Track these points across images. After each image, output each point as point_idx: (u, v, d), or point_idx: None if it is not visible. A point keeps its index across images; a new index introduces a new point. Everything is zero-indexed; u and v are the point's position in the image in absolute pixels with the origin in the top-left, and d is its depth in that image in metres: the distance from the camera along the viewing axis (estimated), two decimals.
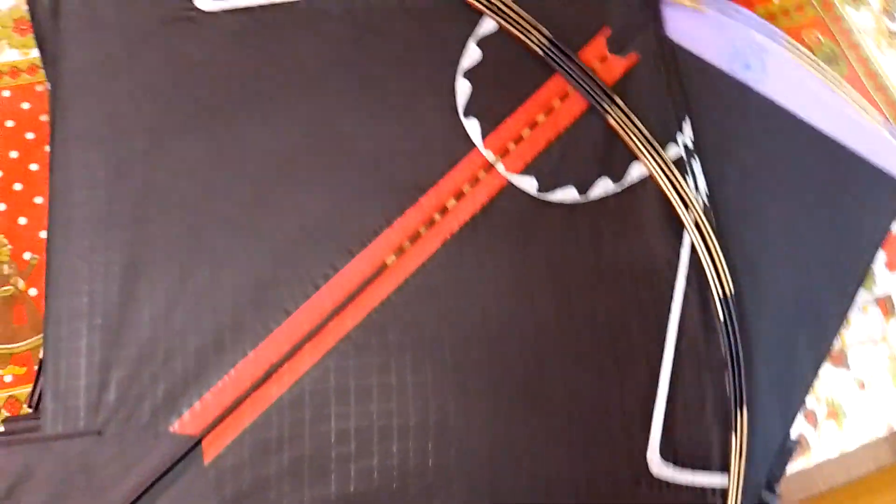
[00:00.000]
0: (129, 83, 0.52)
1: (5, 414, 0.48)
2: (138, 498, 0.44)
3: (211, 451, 0.45)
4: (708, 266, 0.52)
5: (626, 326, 0.51)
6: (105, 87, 0.51)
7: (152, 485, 0.44)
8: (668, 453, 0.49)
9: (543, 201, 0.53)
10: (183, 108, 0.51)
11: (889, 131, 0.59)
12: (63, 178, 0.49)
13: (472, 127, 0.54)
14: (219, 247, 0.49)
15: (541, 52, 0.55)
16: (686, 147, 0.55)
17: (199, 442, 0.45)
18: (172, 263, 0.48)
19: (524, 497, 0.47)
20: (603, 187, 0.54)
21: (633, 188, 0.54)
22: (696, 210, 0.53)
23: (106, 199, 0.49)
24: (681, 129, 0.55)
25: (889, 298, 0.58)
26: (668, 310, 0.51)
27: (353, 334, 0.48)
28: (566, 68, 0.55)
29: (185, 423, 0.45)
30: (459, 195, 0.52)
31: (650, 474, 0.48)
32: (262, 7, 0.55)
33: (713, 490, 0.49)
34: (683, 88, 0.57)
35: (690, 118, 0.56)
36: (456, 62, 0.55)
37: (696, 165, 0.55)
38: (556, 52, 0.55)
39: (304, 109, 0.53)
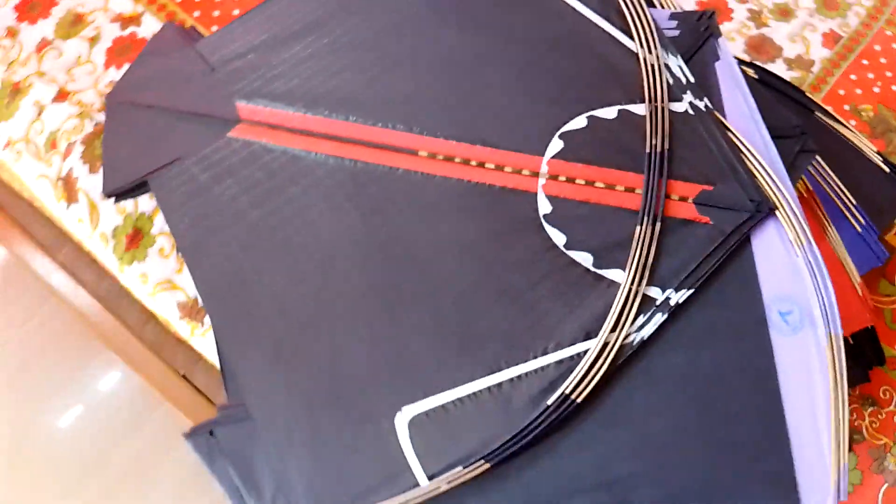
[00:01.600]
0: None
1: None
2: None
3: None
4: None
5: None
6: None
7: None
8: None
9: None
10: None
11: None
12: None
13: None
14: None
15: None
16: (667, 301, 0.59)
17: None
18: None
19: None
20: (583, 259, 0.60)
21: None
22: (619, 334, 0.57)
23: None
24: (678, 289, 0.59)
25: None
26: None
27: None
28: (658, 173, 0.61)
29: None
30: None
31: None
32: None
33: None
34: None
35: (702, 297, 0.59)
36: None
37: (659, 317, 0.58)
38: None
39: None
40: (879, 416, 0.70)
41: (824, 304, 0.59)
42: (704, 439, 0.56)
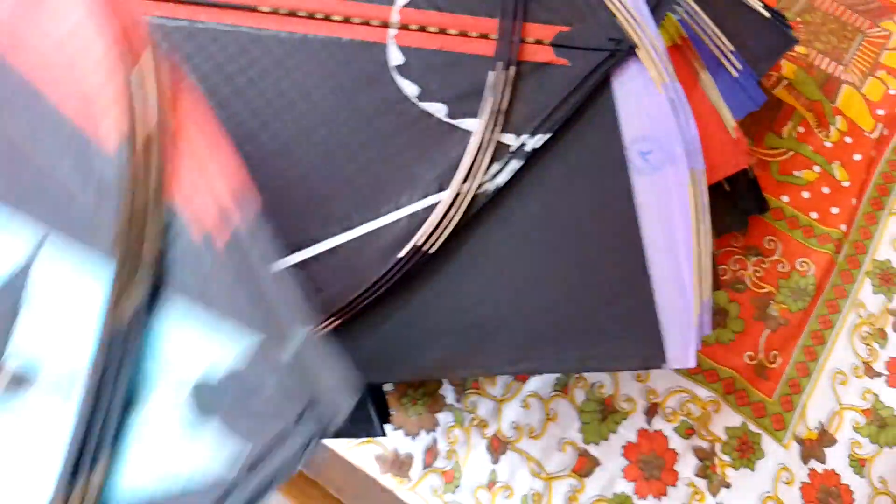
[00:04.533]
0: None
1: None
2: None
3: None
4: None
5: None
6: None
7: None
8: None
9: None
10: None
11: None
12: None
13: None
14: None
15: None
16: (522, 147, 0.56)
17: None
18: None
19: None
20: (436, 110, 0.57)
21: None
22: (472, 184, 0.54)
23: None
24: (534, 134, 0.56)
25: None
26: None
27: None
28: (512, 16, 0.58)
29: None
30: None
31: None
32: None
33: None
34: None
35: (559, 143, 0.57)
36: None
37: (514, 164, 0.56)
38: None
39: None
40: (763, 266, 0.69)
41: (686, 142, 0.57)
42: (564, 282, 0.55)
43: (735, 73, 0.67)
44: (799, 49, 0.83)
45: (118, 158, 0.30)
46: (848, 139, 0.77)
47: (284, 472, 0.28)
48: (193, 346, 0.29)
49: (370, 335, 0.55)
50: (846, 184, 0.74)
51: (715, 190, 0.67)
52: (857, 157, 0.76)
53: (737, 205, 0.67)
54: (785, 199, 0.73)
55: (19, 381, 0.29)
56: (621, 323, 0.54)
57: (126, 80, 0.32)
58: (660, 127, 0.57)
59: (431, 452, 0.61)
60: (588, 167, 0.57)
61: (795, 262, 0.69)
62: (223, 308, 0.30)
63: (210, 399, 0.29)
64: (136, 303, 0.29)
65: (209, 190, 0.31)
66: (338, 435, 0.61)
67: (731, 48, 0.68)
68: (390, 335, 0.55)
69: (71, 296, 0.29)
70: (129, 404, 0.29)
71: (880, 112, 0.79)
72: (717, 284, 0.68)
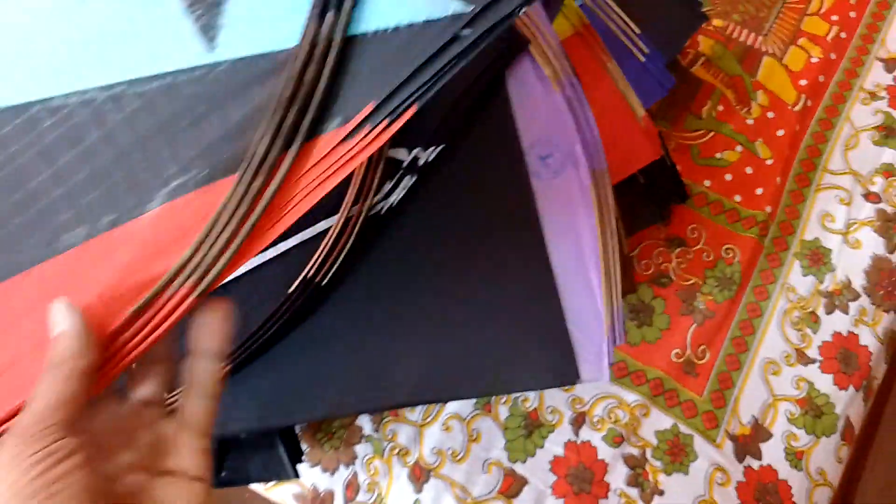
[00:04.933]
0: None
1: None
2: None
3: None
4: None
5: None
6: None
7: None
8: None
9: None
10: None
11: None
12: None
13: None
14: None
15: None
16: (415, 161, 0.53)
17: None
18: None
19: None
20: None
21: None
22: (363, 205, 0.51)
23: None
24: (427, 146, 0.53)
25: None
26: None
27: None
28: None
29: None
30: None
31: None
32: None
33: None
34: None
35: (454, 153, 0.53)
36: None
37: (408, 181, 0.52)
38: None
39: None
40: (688, 256, 0.67)
41: (586, 141, 0.54)
42: (468, 304, 0.52)
43: (641, 59, 0.64)
44: (716, 22, 0.80)
45: None
46: (770, 114, 0.74)
47: (508, 19, 0.30)
48: None
49: (268, 376, 0.51)
50: (770, 162, 0.72)
51: (630, 183, 0.65)
52: (781, 132, 0.73)
53: (654, 196, 0.65)
54: (707, 183, 0.70)
55: None
56: (531, 341, 0.51)
57: None
58: (559, 128, 0.54)
59: (352, 487, 0.58)
60: (486, 177, 0.53)
61: (721, 250, 0.67)
62: None
63: None
64: None
65: None
66: (249, 480, 0.58)
67: (638, 31, 0.65)
68: (287, 376, 0.51)
69: None
70: None
71: (803, 83, 0.77)
72: (632, 287, 0.65)
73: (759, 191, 0.70)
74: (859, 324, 0.64)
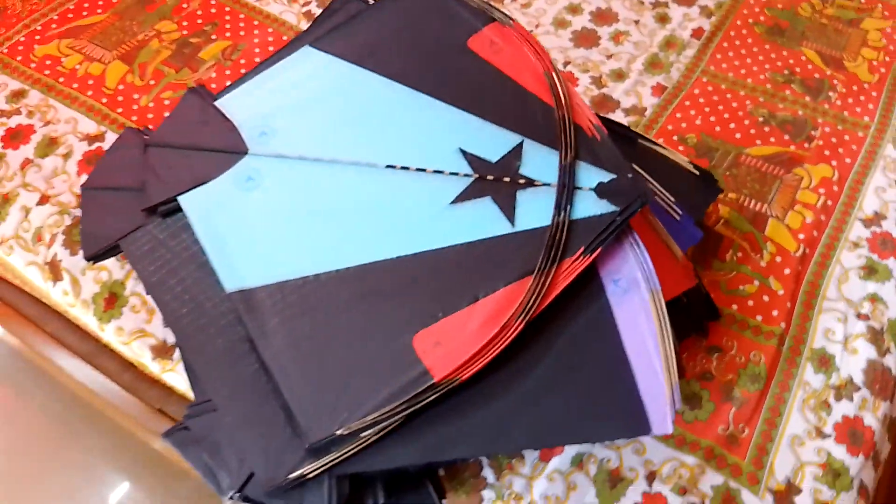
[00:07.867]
0: None
1: None
2: None
3: None
4: None
5: None
6: None
7: None
8: None
9: None
10: None
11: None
12: None
13: None
14: None
15: None
16: None
17: None
18: None
19: None
20: None
21: None
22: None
23: None
24: None
25: None
26: None
27: None
28: None
29: None
30: None
31: None
32: None
33: None
34: None
35: None
36: None
37: None
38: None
39: None
40: (724, 360, 0.89)
41: (644, 271, 0.78)
42: (565, 389, 0.73)
43: (678, 218, 0.90)
44: (731, 195, 1.08)
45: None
46: (778, 258, 0.99)
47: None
48: None
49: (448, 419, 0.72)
50: (781, 293, 0.95)
51: (676, 304, 0.88)
52: (787, 271, 0.98)
53: (693, 314, 0.88)
54: (734, 307, 0.94)
55: None
56: (615, 405, 0.73)
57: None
58: (625, 263, 0.78)
59: None
60: (579, 296, 0.77)
61: (749, 355, 0.89)
62: None
63: None
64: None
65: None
66: None
67: (673, 200, 0.92)
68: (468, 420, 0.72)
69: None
70: None
71: (801, 237, 1.02)
72: (681, 373, 0.86)
73: (774, 312, 0.93)
74: (863, 409, 0.84)
